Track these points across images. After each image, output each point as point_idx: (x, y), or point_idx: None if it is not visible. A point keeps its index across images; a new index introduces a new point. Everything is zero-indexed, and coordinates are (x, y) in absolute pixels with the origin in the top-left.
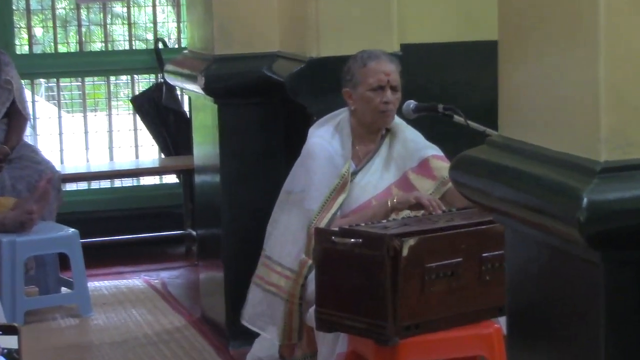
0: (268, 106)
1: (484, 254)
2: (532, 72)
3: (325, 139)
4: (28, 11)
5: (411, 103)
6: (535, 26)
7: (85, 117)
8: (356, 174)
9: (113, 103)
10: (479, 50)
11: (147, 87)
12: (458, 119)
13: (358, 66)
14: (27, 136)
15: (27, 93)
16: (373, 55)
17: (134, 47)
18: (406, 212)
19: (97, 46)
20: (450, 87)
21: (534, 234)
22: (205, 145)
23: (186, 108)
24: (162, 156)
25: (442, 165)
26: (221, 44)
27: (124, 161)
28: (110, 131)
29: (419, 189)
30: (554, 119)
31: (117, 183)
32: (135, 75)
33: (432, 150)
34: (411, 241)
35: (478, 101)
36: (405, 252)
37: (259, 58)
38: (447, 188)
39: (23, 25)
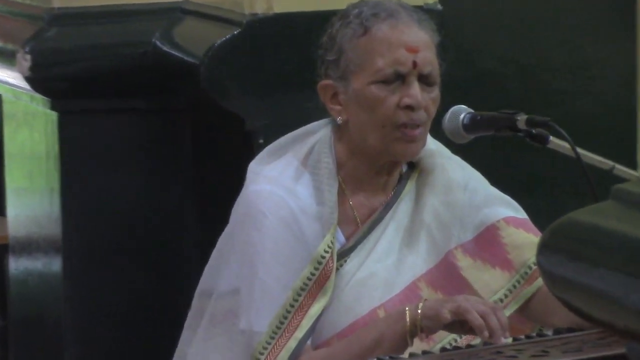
0: (164, 116)
1: None
2: None
3: (283, 185)
4: None
5: (462, 111)
6: None
7: None
8: (348, 257)
9: None
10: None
11: None
12: (557, 143)
13: (353, 33)
14: None
15: None
16: (383, 10)
17: None
18: (450, 338)
19: None
20: (539, 76)
21: None
22: (31, 196)
23: None
24: None
25: (525, 239)
26: None
27: None
28: None
29: (477, 290)
30: None
31: None
32: None
33: (505, 209)
34: None
35: (592, 108)
36: None
37: (146, 16)
38: (536, 288)
39: None
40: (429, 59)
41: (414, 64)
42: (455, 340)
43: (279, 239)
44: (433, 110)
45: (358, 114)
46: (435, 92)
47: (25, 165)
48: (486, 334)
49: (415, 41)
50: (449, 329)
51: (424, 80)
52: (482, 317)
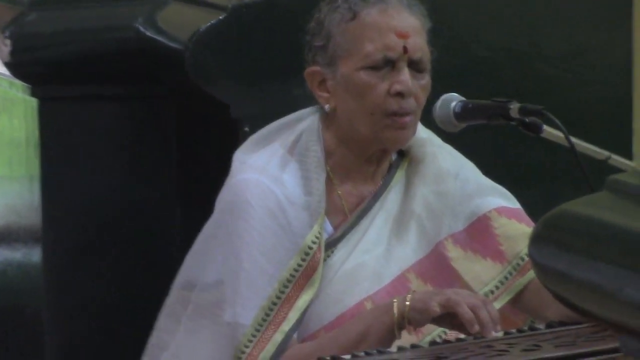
0: (148, 102)
1: None
2: None
3: (270, 174)
4: None
5: (453, 99)
6: None
7: None
8: (335, 247)
9: None
10: None
11: None
12: (551, 132)
13: (341, 18)
14: None
15: None
16: None
17: None
18: (440, 330)
19: None
20: (533, 64)
21: None
22: (10, 184)
23: None
24: None
25: (518, 230)
26: None
27: None
28: None
29: (467, 282)
30: None
31: None
32: None
33: (497, 199)
34: None
35: (587, 97)
36: None
37: (128, 1)
38: (528, 280)
39: None
40: (419, 45)
41: (404, 50)
42: (445, 333)
43: (265, 230)
44: (423, 98)
45: (346, 101)
46: (426, 79)
47: (5, 153)
48: (476, 327)
49: (405, 26)
50: (438, 323)
51: (414, 66)
52: (473, 310)
